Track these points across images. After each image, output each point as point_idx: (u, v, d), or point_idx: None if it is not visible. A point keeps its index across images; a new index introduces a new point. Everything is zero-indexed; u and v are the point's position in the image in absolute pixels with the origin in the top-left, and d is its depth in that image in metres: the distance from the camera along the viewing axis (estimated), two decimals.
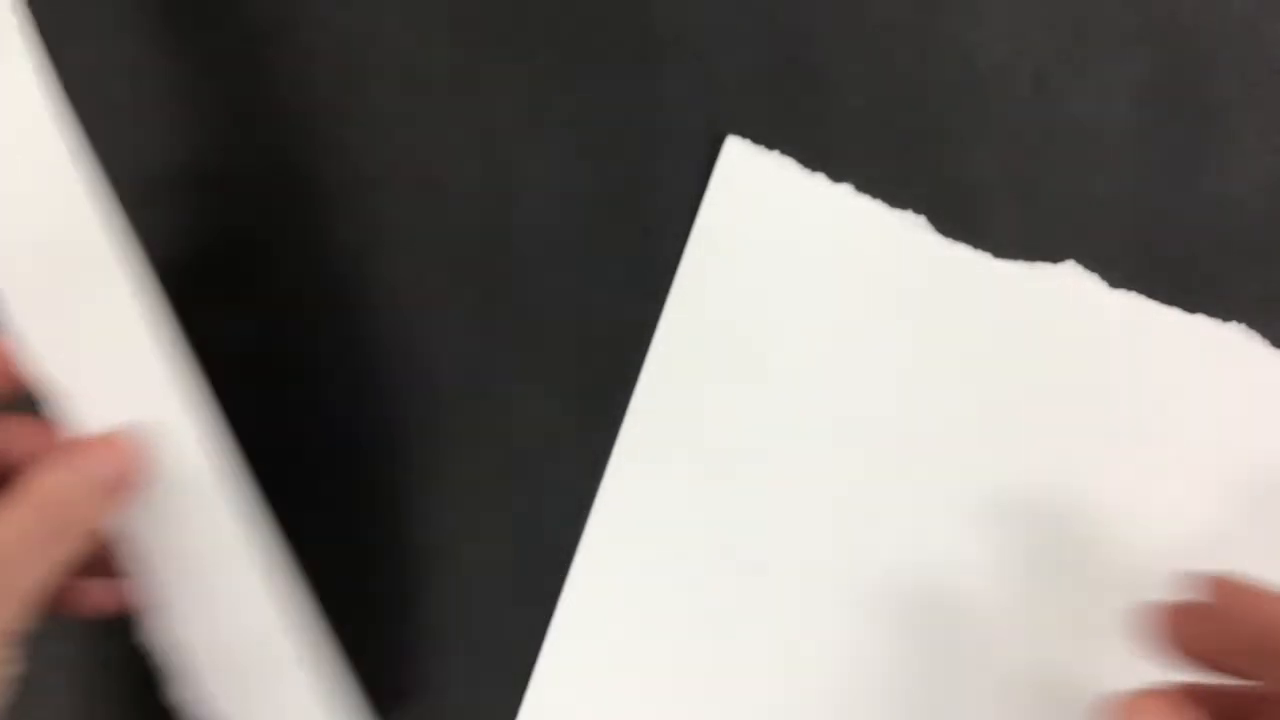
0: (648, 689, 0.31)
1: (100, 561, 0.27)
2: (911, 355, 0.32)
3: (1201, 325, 0.32)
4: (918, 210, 0.32)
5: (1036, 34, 0.33)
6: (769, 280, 0.32)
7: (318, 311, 0.33)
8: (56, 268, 0.27)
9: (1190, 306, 0.32)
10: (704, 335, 0.32)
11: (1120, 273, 0.32)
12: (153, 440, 0.27)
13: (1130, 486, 0.31)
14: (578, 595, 0.32)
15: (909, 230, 0.32)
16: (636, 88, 0.33)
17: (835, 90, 0.33)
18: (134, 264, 0.27)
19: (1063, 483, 0.31)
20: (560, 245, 0.33)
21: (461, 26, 0.34)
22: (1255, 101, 0.33)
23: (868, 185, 0.33)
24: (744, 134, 0.33)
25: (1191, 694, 0.24)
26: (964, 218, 0.32)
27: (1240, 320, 0.32)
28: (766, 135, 0.33)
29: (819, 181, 0.33)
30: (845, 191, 0.33)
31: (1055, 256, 0.32)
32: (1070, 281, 0.32)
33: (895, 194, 0.33)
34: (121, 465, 0.26)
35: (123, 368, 0.27)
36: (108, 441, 0.26)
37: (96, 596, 0.29)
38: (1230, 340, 0.31)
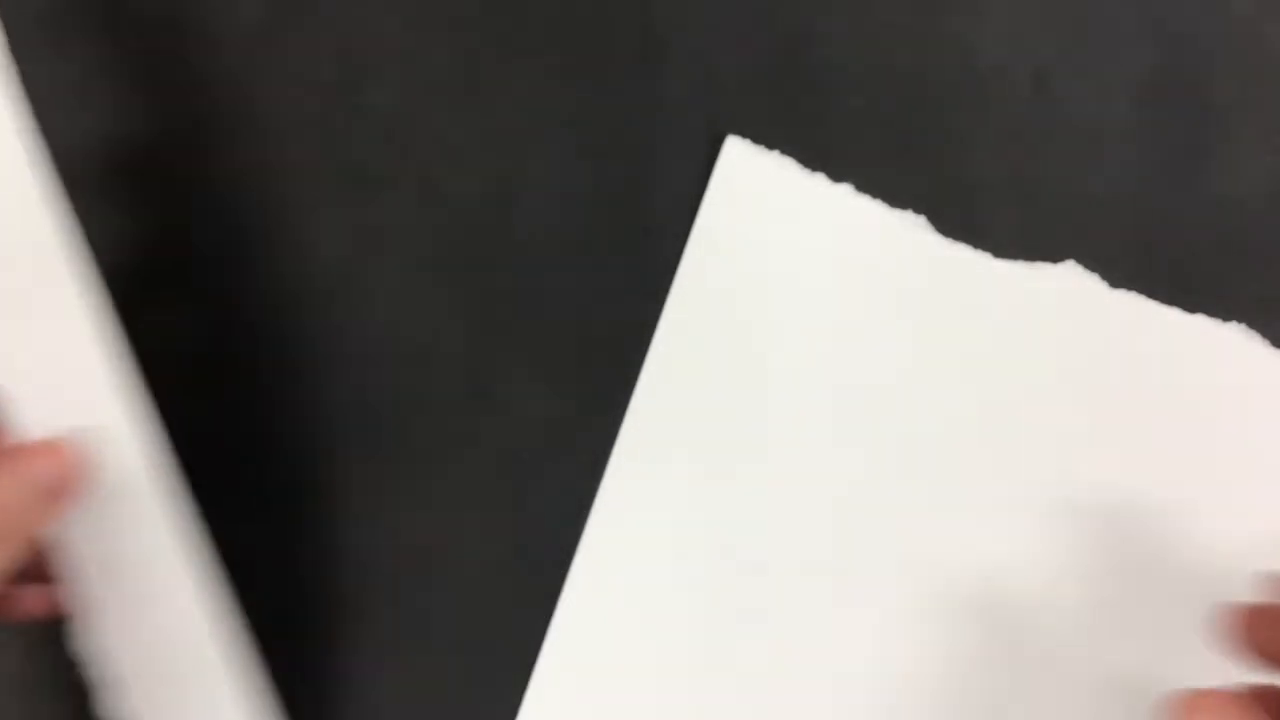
0: (648, 689, 0.31)
1: (34, 566, 0.27)
2: (911, 355, 0.32)
3: (1201, 325, 0.32)
4: (918, 210, 0.32)
5: (1036, 34, 0.33)
6: (769, 280, 0.32)
7: (316, 313, 0.33)
8: (2, 271, 0.26)
9: (1190, 306, 0.32)
10: (704, 335, 0.32)
11: (1120, 273, 0.32)
12: (95, 446, 0.26)
13: (1130, 486, 0.31)
14: (578, 595, 0.32)
15: (909, 230, 0.32)
16: (636, 88, 0.33)
17: (835, 90, 0.33)
18: (83, 267, 0.27)
19: (1062, 482, 0.31)
20: (560, 245, 0.33)
21: (461, 26, 0.34)
22: (1255, 101, 0.33)
23: (868, 185, 0.33)
24: (744, 134, 0.33)
25: (1260, 697, 0.23)
26: (964, 218, 0.32)
27: (1240, 320, 0.32)
28: (766, 135, 0.33)
29: (819, 181, 0.33)
30: (845, 191, 0.33)
31: (1055, 256, 0.32)
32: (1070, 281, 0.32)
33: (895, 194, 0.32)
34: (64, 472, 0.26)
35: (68, 372, 0.27)
36: (51, 447, 0.26)
37: (29, 602, 0.28)
38: (1230, 340, 0.32)
